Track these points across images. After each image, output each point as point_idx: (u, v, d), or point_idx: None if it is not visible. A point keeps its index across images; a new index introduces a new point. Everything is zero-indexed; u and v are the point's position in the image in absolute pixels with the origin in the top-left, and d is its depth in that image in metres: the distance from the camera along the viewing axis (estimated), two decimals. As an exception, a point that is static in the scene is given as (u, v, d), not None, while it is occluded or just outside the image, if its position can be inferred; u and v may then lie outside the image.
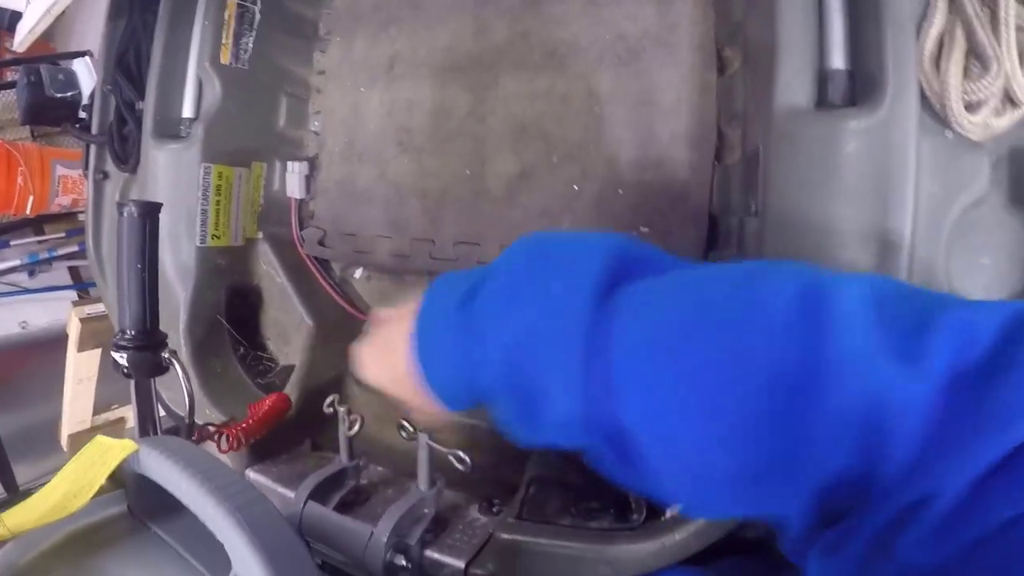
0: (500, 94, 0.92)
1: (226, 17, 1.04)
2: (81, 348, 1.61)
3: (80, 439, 1.80)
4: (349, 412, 0.74)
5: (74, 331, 1.60)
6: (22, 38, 1.32)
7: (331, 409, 0.74)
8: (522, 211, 0.90)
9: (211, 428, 0.81)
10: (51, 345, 2.16)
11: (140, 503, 0.58)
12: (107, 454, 0.56)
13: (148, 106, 1.04)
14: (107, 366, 1.70)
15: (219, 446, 0.79)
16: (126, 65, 1.18)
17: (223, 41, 1.03)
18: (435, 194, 0.95)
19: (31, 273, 2.29)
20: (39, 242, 2.33)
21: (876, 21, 0.60)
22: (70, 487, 0.54)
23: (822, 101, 0.62)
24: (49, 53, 2.64)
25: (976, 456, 0.28)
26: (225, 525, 0.42)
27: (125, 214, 0.73)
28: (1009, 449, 0.27)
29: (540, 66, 0.91)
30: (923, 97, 0.59)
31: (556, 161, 0.89)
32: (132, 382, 0.77)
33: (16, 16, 1.40)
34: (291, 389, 0.93)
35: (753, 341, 0.33)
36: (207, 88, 1.03)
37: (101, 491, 0.52)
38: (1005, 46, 0.56)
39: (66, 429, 1.77)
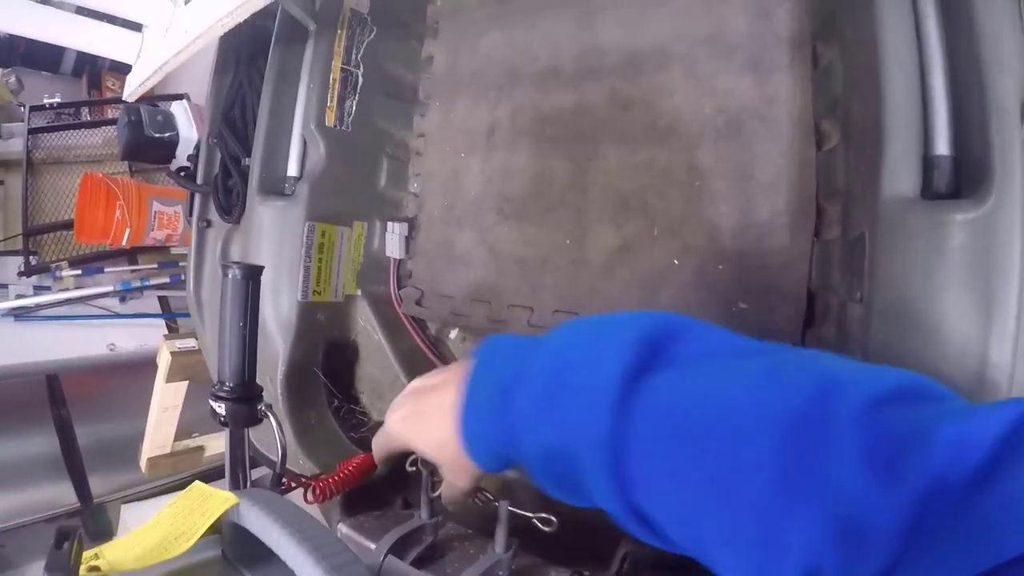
0: (601, 165, 0.89)
1: (331, 81, 1.03)
2: (170, 379, 1.61)
3: (159, 463, 1.80)
4: (433, 473, 0.71)
5: (164, 363, 1.60)
6: (132, 90, 1.33)
7: (413, 468, 0.73)
8: (622, 284, 0.86)
9: (301, 479, 0.80)
10: (136, 369, 2.19)
11: (234, 550, 0.58)
12: (207, 502, 0.57)
13: (255, 163, 1.04)
14: (191, 396, 1.71)
15: (305, 497, 0.78)
16: (231, 119, 1.18)
17: (328, 104, 1.03)
18: (535, 262, 0.92)
19: (122, 299, 2.33)
20: (132, 271, 2.37)
21: (980, 106, 0.55)
22: (170, 530, 0.54)
23: (927, 189, 0.58)
24: (148, 94, 2.73)
25: None
26: None
27: (230, 276, 0.73)
28: (983, 571, 0.26)
29: (641, 139, 0.88)
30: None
31: (657, 234, 0.85)
32: (227, 430, 0.77)
33: (118, 63, 1.43)
34: (385, 448, 0.89)
35: (754, 449, 0.34)
36: (312, 148, 1.03)
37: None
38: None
39: (146, 452, 1.77)
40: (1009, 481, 0.28)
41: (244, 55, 1.16)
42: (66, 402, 2.18)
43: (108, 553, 0.53)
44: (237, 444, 0.77)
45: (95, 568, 0.52)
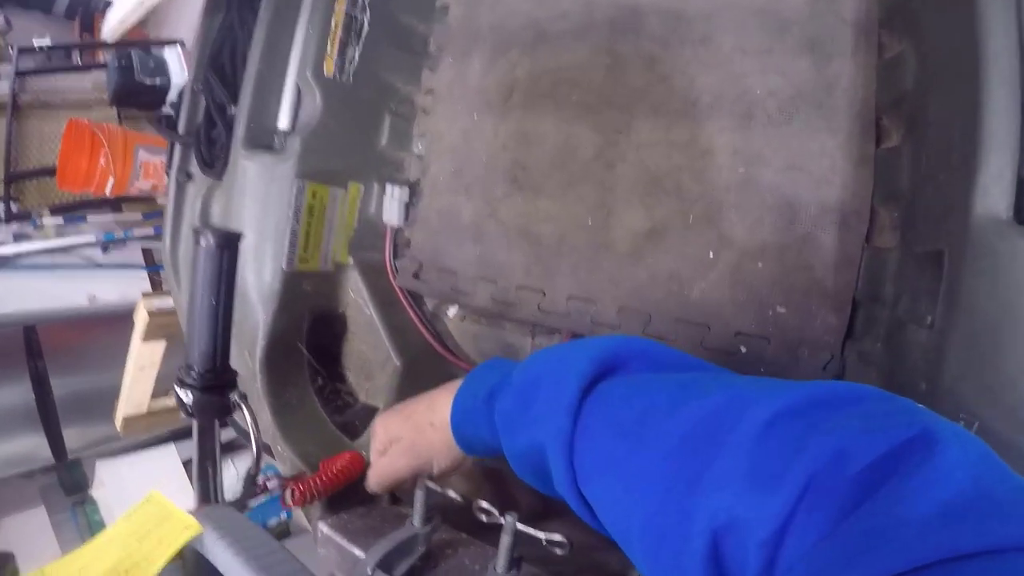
0: (633, 140, 0.77)
1: (332, 26, 0.89)
2: (146, 338, 1.48)
3: (135, 422, 1.68)
4: (430, 477, 0.65)
5: (141, 322, 1.48)
6: (111, 28, 1.17)
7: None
8: (648, 272, 0.74)
9: (279, 479, 0.69)
10: (117, 321, 2.05)
11: None
12: (165, 524, 0.49)
13: (241, 113, 0.90)
14: (169, 355, 1.58)
15: (283, 500, 0.67)
16: (219, 64, 1.03)
17: (327, 51, 0.89)
18: (550, 241, 0.80)
19: (104, 249, 2.18)
20: (116, 221, 2.22)
21: None
22: (123, 556, 0.46)
23: (1020, 212, 0.49)
24: (141, 39, 2.54)
25: None
26: None
27: (202, 244, 0.60)
28: None
29: (680, 114, 0.75)
30: None
31: (691, 222, 0.73)
32: (195, 423, 0.65)
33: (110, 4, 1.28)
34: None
35: (661, 448, 0.38)
36: (307, 100, 0.89)
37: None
38: None
39: (122, 412, 1.65)
40: (887, 500, 0.27)
41: (238, -6, 1.01)
42: (43, 354, 2.04)
43: (54, 574, 0.46)
44: (206, 438, 0.65)
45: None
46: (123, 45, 2.37)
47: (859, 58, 0.69)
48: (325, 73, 0.88)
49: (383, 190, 0.92)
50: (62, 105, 2.35)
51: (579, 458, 0.43)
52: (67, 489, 2.20)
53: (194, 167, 1.04)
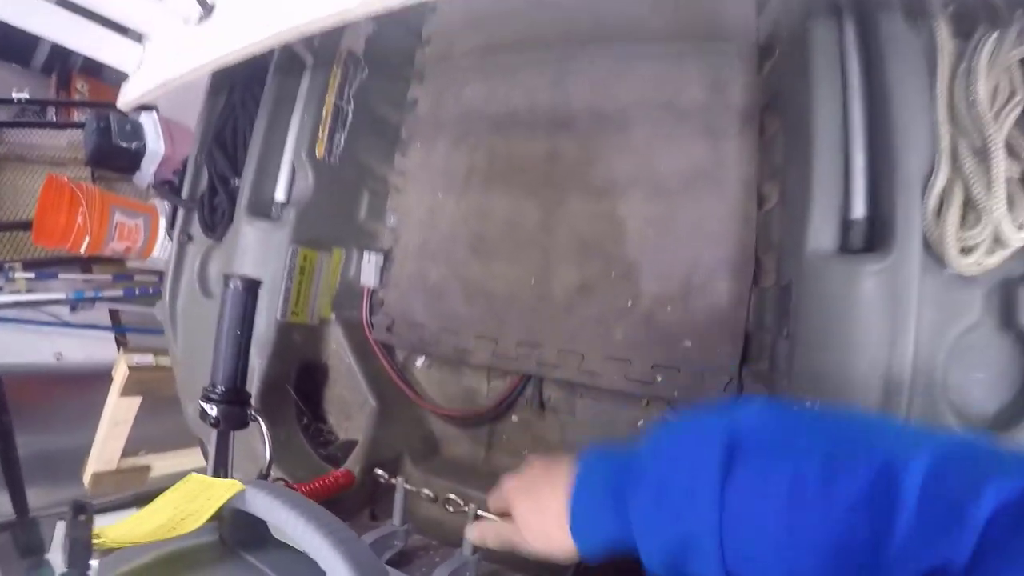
0: (567, 211, 1.00)
1: (324, 115, 1.11)
2: (124, 393, 1.61)
3: (103, 479, 1.76)
4: (405, 481, 0.81)
5: (120, 377, 1.61)
6: (129, 100, 1.34)
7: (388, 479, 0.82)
8: (580, 319, 0.96)
9: (281, 482, 0.86)
10: (83, 380, 2.15)
11: (233, 535, 0.64)
12: (211, 489, 0.61)
13: (245, 185, 1.10)
14: (142, 414, 1.70)
15: None
16: (223, 140, 1.22)
17: (319, 136, 1.11)
18: (501, 297, 1.01)
19: (73, 308, 2.30)
20: (86, 280, 2.35)
21: (890, 179, 0.68)
22: (174, 513, 0.58)
23: (844, 245, 0.71)
24: (115, 101, 2.71)
25: None
26: (331, 556, 0.49)
27: (231, 287, 0.81)
28: None
29: (604, 191, 0.99)
30: (926, 243, 0.67)
31: (614, 277, 0.96)
32: (215, 432, 0.83)
33: (91, 62, 1.45)
34: (354, 463, 0.96)
35: (835, 531, 0.44)
36: (300, 177, 1.10)
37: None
38: (996, 198, 0.63)
39: (91, 467, 1.74)
40: None
41: (240, 79, 1.20)
42: (8, 409, 2.12)
43: (111, 532, 0.57)
44: (223, 445, 0.83)
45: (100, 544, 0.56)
46: (100, 106, 2.54)
47: (744, 138, 0.92)
48: (317, 155, 1.10)
49: (361, 256, 1.13)
50: (37, 160, 2.47)
51: (731, 550, 0.48)
52: (22, 551, 2.24)
53: (195, 229, 1.22)
